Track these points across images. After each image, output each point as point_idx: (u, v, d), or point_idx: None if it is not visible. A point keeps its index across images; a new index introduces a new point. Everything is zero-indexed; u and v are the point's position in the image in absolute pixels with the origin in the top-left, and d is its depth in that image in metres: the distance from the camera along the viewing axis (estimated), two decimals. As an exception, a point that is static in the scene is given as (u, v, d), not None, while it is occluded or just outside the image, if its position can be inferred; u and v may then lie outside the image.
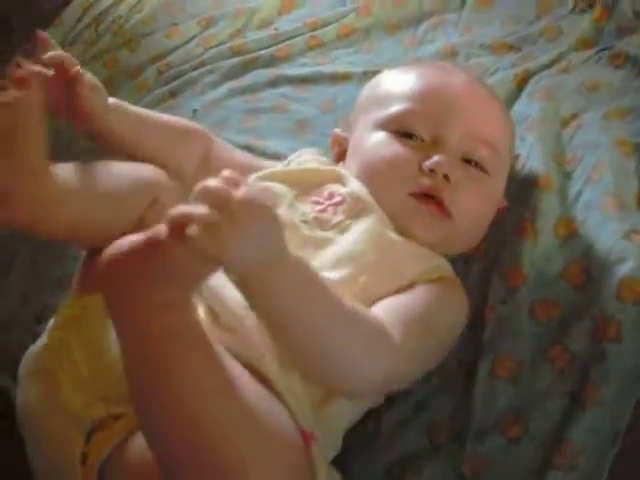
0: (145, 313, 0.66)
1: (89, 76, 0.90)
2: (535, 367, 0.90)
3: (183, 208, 0.63)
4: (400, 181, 0.92)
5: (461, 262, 0.99)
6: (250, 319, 0.79)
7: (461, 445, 0.87)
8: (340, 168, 0.99)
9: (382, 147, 0.95)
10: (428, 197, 0.92)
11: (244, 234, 0.63)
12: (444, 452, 0.88)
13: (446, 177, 0.91)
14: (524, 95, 1.14)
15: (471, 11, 1.30)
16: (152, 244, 0.65)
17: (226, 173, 0.64)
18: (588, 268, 0.93)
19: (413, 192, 0.92)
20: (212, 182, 0.63)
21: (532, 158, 1.04)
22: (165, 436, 0.69)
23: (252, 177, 0.97)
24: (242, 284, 0.69)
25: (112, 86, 1.38)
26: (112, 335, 0.75)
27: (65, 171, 0.83)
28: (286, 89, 1.29)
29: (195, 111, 1.31)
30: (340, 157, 1.03)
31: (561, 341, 0.90)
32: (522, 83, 1.15)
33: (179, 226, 0.62)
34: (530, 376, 0.89)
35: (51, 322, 0.90)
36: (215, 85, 1.34)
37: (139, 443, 0.74)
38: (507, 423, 0.88)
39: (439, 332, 0.87)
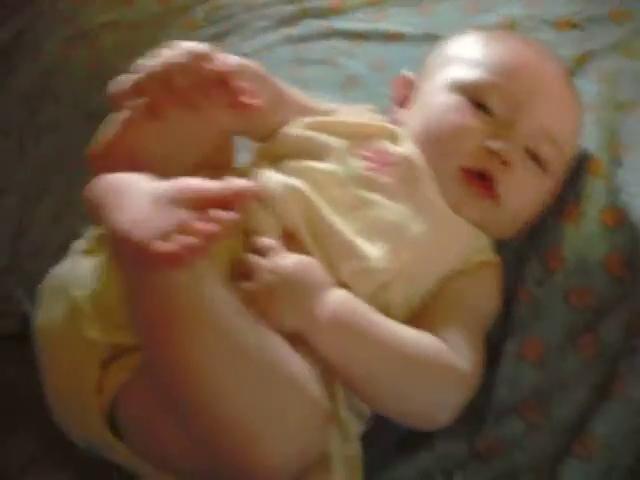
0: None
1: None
2: (563, 353, 0.88)
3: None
4: (458, 152, 0.89)
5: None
6: None
7: (479, 423, 0.86)
8: (395, 127, 0.95)
9: (451, 111, 0.91)
10: (479, 175, 0.89)
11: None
12: (461, 429, 0.86)
13: (505, 163, 0.88)
14: (582, 76, 1.09)
15: (536, -16, 1.25)
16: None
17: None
18: (630, 260, 0.91)
19: (466, 166, 0.89)
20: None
21: (584, 141, 1.01)
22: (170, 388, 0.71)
23: (302, 124, 0.94)
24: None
25: (163, 22, 1.37)
26: None
27: None
28: (338, 42, 1.26)
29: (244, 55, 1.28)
30: (402, 102, 0.99)
31: (593, 330, 0.88)
32: (582, 63, 1.11)
33: None
34: (557, 362, 0.88)
35: (78, 242, 0.88)
36: (266, 31, 1.31)
37: None
38: (528, 407, 0.86)
39: (485, 321, 0.89)
